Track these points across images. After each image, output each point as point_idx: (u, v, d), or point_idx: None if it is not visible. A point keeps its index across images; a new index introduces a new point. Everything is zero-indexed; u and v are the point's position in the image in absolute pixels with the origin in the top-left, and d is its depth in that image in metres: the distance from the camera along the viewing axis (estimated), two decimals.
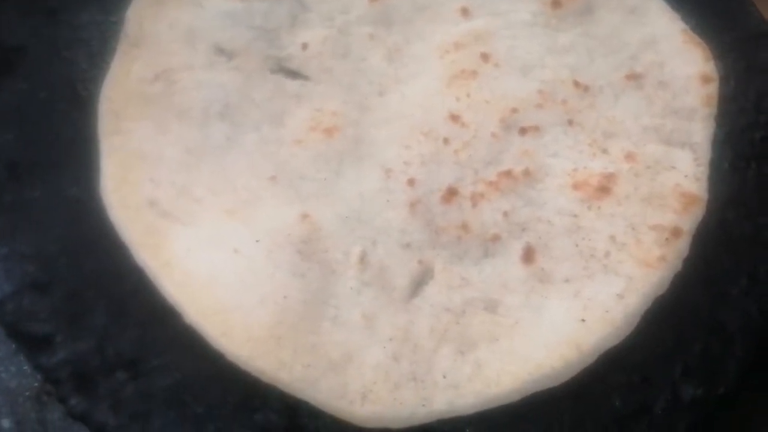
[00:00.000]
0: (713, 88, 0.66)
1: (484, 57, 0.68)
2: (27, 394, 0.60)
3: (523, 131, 0.64)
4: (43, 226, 0.62)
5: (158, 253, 0.59)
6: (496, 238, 0.60)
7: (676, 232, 0.59)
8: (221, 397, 0.55)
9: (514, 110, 0.65)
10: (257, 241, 0.59)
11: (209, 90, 0.66)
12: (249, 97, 0.67)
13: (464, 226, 0.60)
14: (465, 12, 0.70)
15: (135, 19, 0.69)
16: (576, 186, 0.62)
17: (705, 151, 0.63)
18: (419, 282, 0.59)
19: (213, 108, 0.66)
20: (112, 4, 0.70)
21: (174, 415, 0.55)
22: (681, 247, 0.59)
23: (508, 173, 0.62)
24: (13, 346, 0.59)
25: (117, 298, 0.59)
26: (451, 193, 0.62)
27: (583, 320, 0.56)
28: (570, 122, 0.65)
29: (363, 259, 0.59)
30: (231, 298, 0.57)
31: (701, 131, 0.64)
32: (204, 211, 0.61)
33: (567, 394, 0.55)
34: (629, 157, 0.63)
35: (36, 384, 0.60)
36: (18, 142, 0.65)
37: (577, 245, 0.59)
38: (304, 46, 0.69)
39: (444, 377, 0.55)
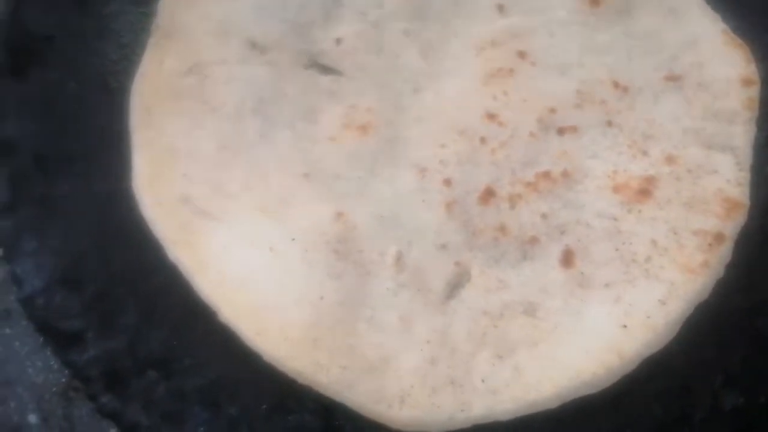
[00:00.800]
0: (754, 91, 0.65)
1: (521, 55, 0.67)
2: (54, 390, 0.60)
3: (561, 131, 0.63)
4: (73, 221, 0.61)
5: (193, 250, 0.58)
6: (534, 241, 0.59)
7: (718, 238, 0.58)
8: (255, 398, 0.55)
9: (552, 110, 0.64)
10: (293, 239, 0.59)
11: (242, 85, 0.65)
12: (282, 92, 0.66)
13: (502, 228, 0.60)
14: (501, 9, 0.69)
15: (167, 11, 0.68)
16: (616, 188, 0.61)
17: (746, 156, 0.62)
18: (456, 284, 0.58)
19: (246, 103, 0.65)
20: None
21: (207, 415, 0.55)
22: (723, 252, 0.58)
23: (546, 174, 0.61)
24: (40, 341, 0.59)
25: (149, 296, 0.58)
26: (488, 194, 0.61)
27: (624, 326, 0.55)
28: (609, 123, 0.64)
29: (399, 260, 0.58)
30: (267, 298, 0.56)
31: (742, 135, 0.63)
32: (238, 208, 0.60)
33: (607, 401, 0.54)
34: (670, 160, 0.62)
35: (63, 380, 0.60)
36: (46, 134, 0.64)
37: (617, 249, 0.59)
38: (338, 41, 0.68)
39: (483, 382, 0.54)
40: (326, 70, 0.67)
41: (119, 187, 0.61)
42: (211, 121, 0.64)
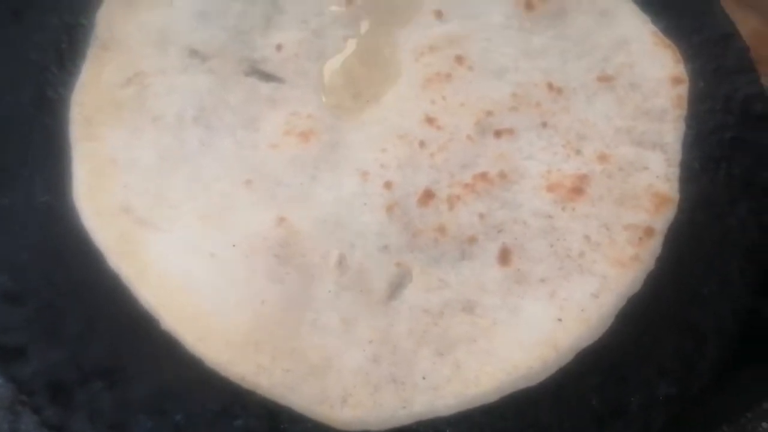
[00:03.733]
0: (683, 90, 0.67)
1: (459, 60, 0.68)
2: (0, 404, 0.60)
3: (498, 134, 0.65)
4: (13, 235, 0.60)
5: (134, 259, 0.58)
6: (472, 240, 0.60)
7: (648, 232, 0.60)
8: (201, 404, 0.55)
9: (489, 113, 0.66)
10: (234, 245, 0.59)
11: (183, 94, 0.66)
12: (223, 100, 0.66)
13: (441, 229, 0.61)
14: (439, 15, 0.71)
15: (105, 22, 0.68)
16: (550, 188, 0.62)
17: (676, 152, 0.64)
18: (397, 284, 0.59)
19: (187, 112, 0.65)
20: (82, 6, 0.69)
21: (153, 423, 0.54)
22: (654, 246, 0.60)
23: (483, 176, 0.63)
24: None
25: (91, 307, 0.58)
26: (427, 196, 0.62)
27: (559, 320, 0.57)
28: (544, 125, 0.66)
29: (341, 262, 0.59)
30: (208, 303, 0.57)
31: (672, 132, 0.65)
32: (180, 217, 0.60)
33: (545, 394, 0.55)
34: (602, 158, 0.64)
35: (9, 394, 0.59)
36: None
37: (552, 246, 0.60)
38: (279, 48, 0.69)
39: (423, 379, 0.55)
40: (267, 77, 0.68)
41: (61, 199, 0.61)
42: (151, 131, 0.64)
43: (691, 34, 0.71)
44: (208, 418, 0.55)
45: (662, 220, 0.61)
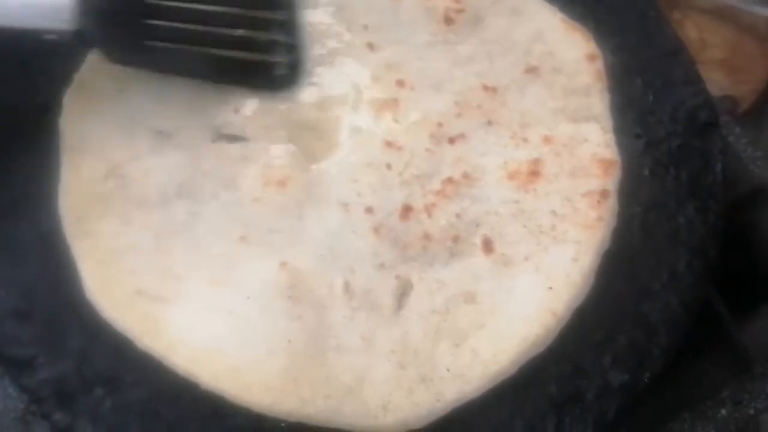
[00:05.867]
0: (599, 64, 0.76)
1: (400, 83, 0.75)
2: (12, 416, 0.67)
3: (451, 141, 0.72)
4: (21, 259, 0.66)
5: (160, 336, 0.62)
6: (456, 239, 0.67)
7: (604, 194, 0.68)
8: (194, 405, 0.60)
9: (439, 124, 0.72)
10: (248, 298, 0.64)
11: (160, 174, 0.70)
12: (199, 169, 0.71)
13: (426, 236, 0.67)
14: (371, 46, 0.77)
15: (69, 127, 0.72)
16: (510, 176, 0.70)
17: (607, 120, 0.73)
18: (402, 295, 0.65)
19: (168, 189, 0.69)
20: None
21: (148, 424, 0.60)
22: (612, 205, 0.68)
23: (450, 180, 0.70)
24: None
25: (93, 322, 0.63)
26: (406, 210, 0.68)
27: (550, 288, 0.64)
28: (489, 122, 0.73)
29: (347, 288, 0.65)
30: (240, 357, 0.61)
31: (599, 104, 0.74)
32: (190, 287, 0.65)
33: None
34: (547, 140, 0.72)
35: (21, 405, 0.67)
36: None
37: (525, 226, 0.67)
38: (236, 111, 0.74)
39: (448, 371, 0.61)
40: (233, 138, 0.73)
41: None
42: (141, 215, 0.68)
43: (642, 50, 0.79)
44: (200, 417, 0.60)
45: (612, 181, 0.69)
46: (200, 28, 0.72)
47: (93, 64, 0.74)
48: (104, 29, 0.68)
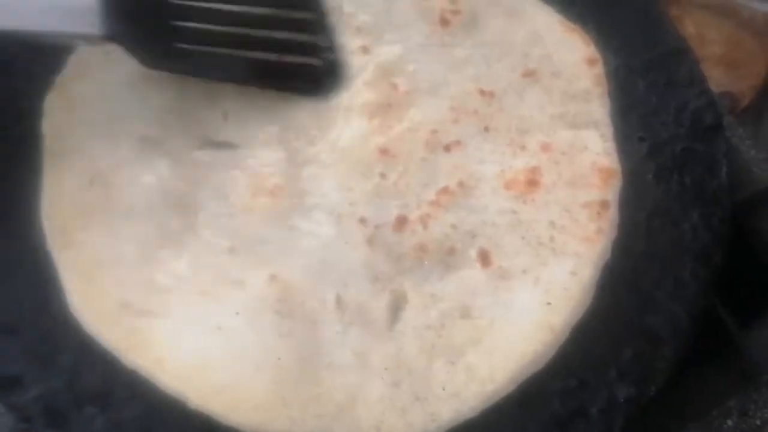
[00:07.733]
0: (599, 68, 0.74)
1: (394, 87, 0.73)
2: None
3: (447, 148, 0.70)
4: (9, 276, 0.64)
5: (146, 351, 0.60)
6: (452, 251, 0.65)
7: (604, 205, 0.66)
8: (186, 422, 0.58)
9: (434, 131, 0.70)
10: (237, 313, 0.62)
11: (146, 182, 0.68)
12: (186, 178, 0.68)
13: (421, 248, 0.65)
14: (365, 50, 0.75)
15: (52, 131, 0.70)
16: (507, 185, 0.68)
17: (607, 127, 0.71)
18: (396, 309, 0.63)
19: (155, 198, 0.67)
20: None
21: None
22: (612, 216, 0.66)
23: (445, 190, 0.68)
24: None
25: (84, 337, 0.61)
26: (401, 221, 0.66)
27: (548, 303, 0.62)
28: (486, 129, 0.71)
29: (339, 302, 0.63)
30: (228, 375, 0.59)
31: (599, 109, 0.71)
32: (177, 299, 0.63)
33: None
34: (545, 147, 0.70)
35: (11, 423, 0.63)
36: None
37: (523, 238, 0.65)
38: (225, 116, 0.72)
39: (443, 389, 0.59)
40: (221, 145, 0.71)
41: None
42: (126, 225, 0.66)
43: (645, 50, 0.76)
44: None
45: (612, 191, 0.67)
46: (235, 29, 0.70)
47: (75, 67, 0.72)
48: (132, 32, 0.66)
